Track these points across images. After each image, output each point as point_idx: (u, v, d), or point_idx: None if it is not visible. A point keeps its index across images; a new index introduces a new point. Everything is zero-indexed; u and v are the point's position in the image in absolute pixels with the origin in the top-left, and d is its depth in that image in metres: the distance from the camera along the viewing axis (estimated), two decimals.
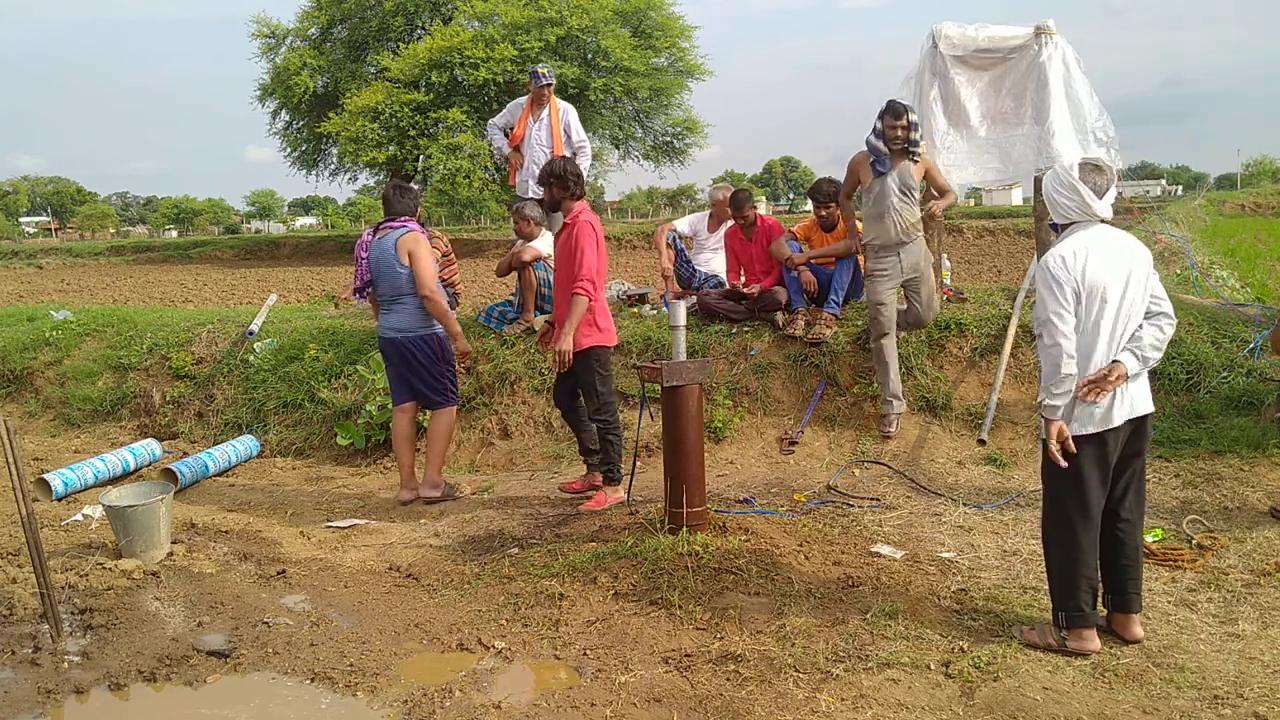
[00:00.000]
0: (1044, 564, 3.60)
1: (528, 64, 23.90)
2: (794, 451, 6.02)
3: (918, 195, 5.87)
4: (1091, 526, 3.41)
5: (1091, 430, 3.35)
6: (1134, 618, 3.49)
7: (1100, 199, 3.37)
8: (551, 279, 7.01)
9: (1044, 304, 3.35)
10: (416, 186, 6.19)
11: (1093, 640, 3.41)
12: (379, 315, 5.73)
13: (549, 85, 7.58)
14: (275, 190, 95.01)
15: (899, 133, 5.68)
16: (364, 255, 5.69)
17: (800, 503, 5.21)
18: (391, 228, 5.56)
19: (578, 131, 7.65)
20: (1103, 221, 3.44)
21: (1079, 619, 3.40)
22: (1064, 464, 3.32)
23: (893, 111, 5.68)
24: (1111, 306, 3.33)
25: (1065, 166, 3.47)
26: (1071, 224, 3.44)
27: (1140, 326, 3.39)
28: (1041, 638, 3.47)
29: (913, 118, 5.75)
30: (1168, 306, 3.45)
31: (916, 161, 5.83)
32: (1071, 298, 3.31)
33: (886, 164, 5.77)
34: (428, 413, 5.88)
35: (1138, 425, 3.44)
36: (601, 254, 5.09)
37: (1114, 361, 3.33)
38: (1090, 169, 3.40)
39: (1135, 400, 3.39)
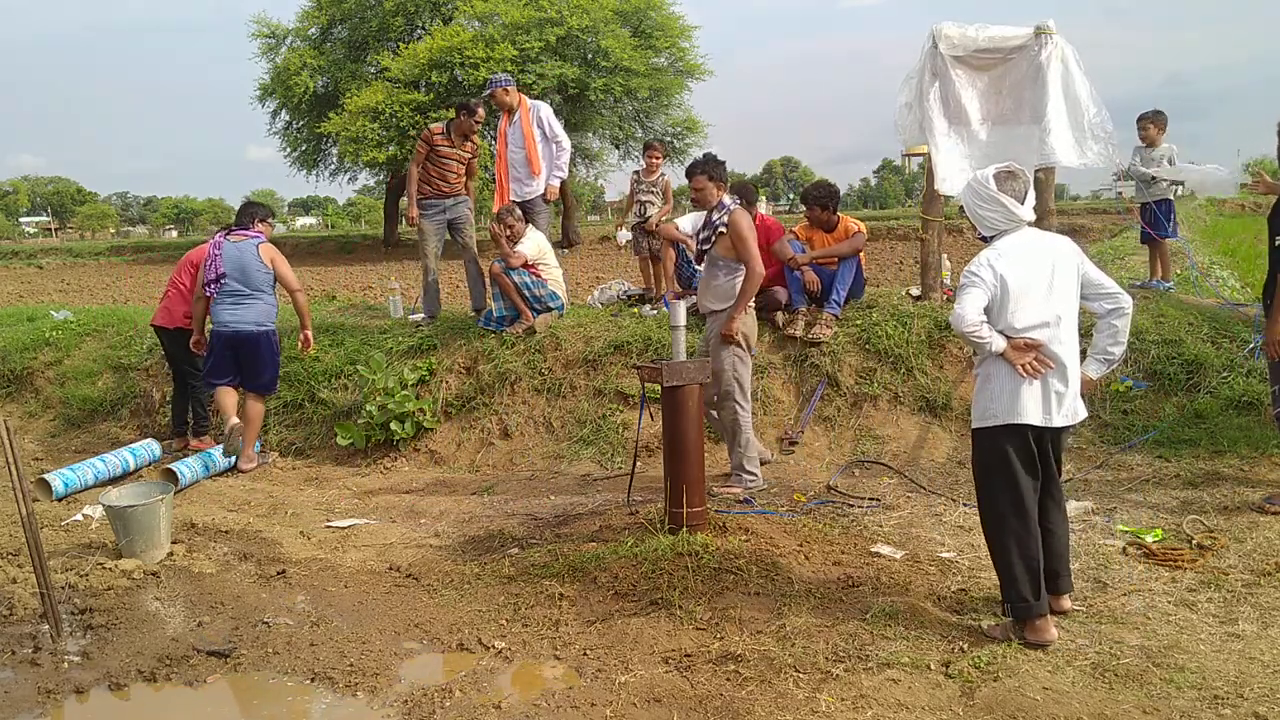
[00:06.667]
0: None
1: (528, 64, 23.87)
2: (794, 451, 6.03)
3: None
4: (1028, 519, 3.45)
5: (1025, 422, 3.38)
6: (1064, 596, 3.61)
7: (1022, 204, 3.44)
8: (527, 280, 7.06)
9: (959, 293, 3.44)
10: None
11: (1048, 630, 3.44)
12: (225, 310, 6.28)
13: (500, 88, 7.51)
14: (275, 190, 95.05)
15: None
16: (218, 253, 6.31)
17: (800, 503, 5.21)
18: (248, 235, 6.41)
19: (553, 127, 7.58)
20: (1028, 225, 3.51)
21: (1023, 610, 3.43)
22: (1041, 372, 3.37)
23: None
24: (1037, 302, 3.38)
25: (982, 180, 3.51)
26: (999, 233, 3.49)
27: (1095, 326, 3.53)
28: (1002, 633, 3.51)
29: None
30: (1115, 290, 3.50)
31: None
32: (986, 295, 3.39)
33: None
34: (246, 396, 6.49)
35: (1064, 432, 3.52)
36: None
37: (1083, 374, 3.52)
38: (1005, 177, 3.46)
39: (1077, 408, 3.47)
